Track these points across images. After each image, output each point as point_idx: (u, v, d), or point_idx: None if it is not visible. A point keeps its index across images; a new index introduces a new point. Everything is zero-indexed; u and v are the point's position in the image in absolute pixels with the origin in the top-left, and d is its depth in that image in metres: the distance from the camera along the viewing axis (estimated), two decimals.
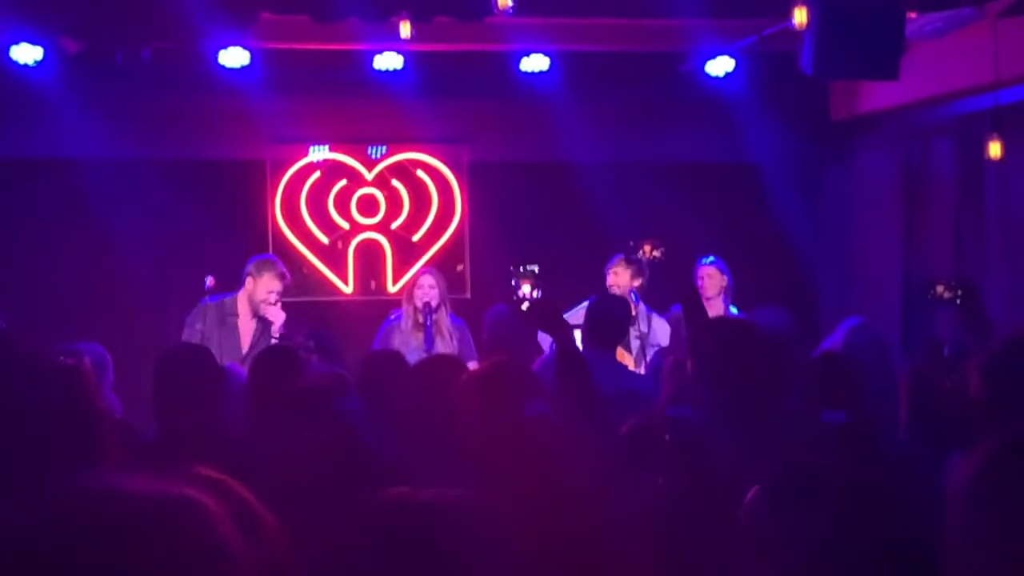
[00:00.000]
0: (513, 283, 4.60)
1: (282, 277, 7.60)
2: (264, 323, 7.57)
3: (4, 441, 2.69)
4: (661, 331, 7.79)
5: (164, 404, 3.98)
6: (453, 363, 4.66)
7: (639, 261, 7.73)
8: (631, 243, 7.79)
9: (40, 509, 1.22)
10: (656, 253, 7.57)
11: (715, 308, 7.98)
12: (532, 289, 4.57)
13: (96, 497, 1.21)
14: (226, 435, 4.20)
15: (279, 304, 7.56)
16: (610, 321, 6.35)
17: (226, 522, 1.26)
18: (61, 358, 3.21)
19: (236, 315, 7.55)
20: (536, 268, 4.59)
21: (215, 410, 3.98)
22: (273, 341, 7.23)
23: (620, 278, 8.01)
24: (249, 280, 7.56)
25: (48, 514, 1.21)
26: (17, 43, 7.93)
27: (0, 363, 3.33)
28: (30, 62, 8.10)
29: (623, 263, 7.98)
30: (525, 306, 4.59)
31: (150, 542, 1.19)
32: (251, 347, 7.43)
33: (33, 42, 7.93)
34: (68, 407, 2.75)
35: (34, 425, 2.70)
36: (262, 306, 7.48)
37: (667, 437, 3.33)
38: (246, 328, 7.55)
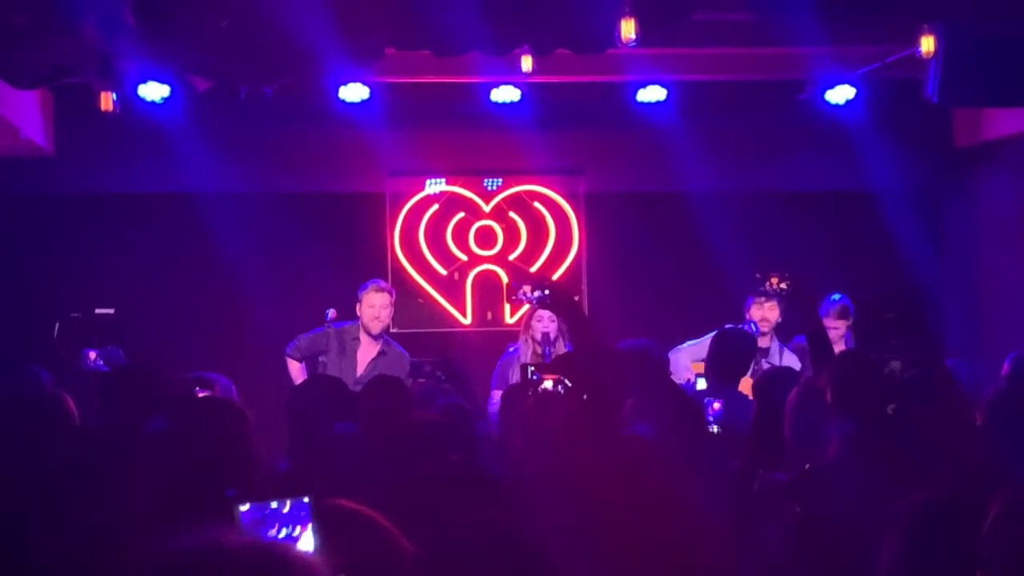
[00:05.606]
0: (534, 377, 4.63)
1: (379, 289, 7.97)
2: (382, 352, 7.87)
3: (181, 468, 2.76)
4: (792, 363, 7.68)
5: (298, 435, 4.03)
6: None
7: (767, 293, 7.64)
8: (757, 275, 7.70)
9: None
10: (783, 285, 7.49)
11: (839, 347, 7.83)
12: (555, 384, 4.56)
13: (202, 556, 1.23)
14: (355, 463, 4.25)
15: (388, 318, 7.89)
16: (733, 355, 6.30)
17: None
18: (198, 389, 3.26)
19: (358, 340, 7.94)
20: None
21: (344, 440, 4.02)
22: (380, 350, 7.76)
23: (774, 313, 7.86)
24: (358, 306, 7.98)
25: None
26: (145, 81, 8.11)
27: (154, 396, 3.41)
28: (157, 99, 8.27)
29: (769, 299, 7.82)
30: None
31: None
32: (366, 373, 7.74)
33: (161, 80, 8.11)
34: (232, 440, 2.81)
35: (207, 456, 2.77)
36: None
37: (807, 466, 3.29)
38: (364, 355, 7.89)
